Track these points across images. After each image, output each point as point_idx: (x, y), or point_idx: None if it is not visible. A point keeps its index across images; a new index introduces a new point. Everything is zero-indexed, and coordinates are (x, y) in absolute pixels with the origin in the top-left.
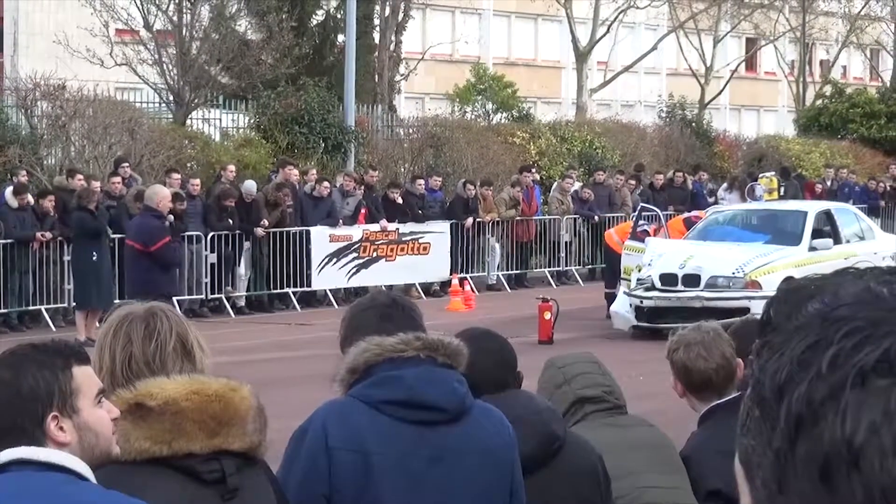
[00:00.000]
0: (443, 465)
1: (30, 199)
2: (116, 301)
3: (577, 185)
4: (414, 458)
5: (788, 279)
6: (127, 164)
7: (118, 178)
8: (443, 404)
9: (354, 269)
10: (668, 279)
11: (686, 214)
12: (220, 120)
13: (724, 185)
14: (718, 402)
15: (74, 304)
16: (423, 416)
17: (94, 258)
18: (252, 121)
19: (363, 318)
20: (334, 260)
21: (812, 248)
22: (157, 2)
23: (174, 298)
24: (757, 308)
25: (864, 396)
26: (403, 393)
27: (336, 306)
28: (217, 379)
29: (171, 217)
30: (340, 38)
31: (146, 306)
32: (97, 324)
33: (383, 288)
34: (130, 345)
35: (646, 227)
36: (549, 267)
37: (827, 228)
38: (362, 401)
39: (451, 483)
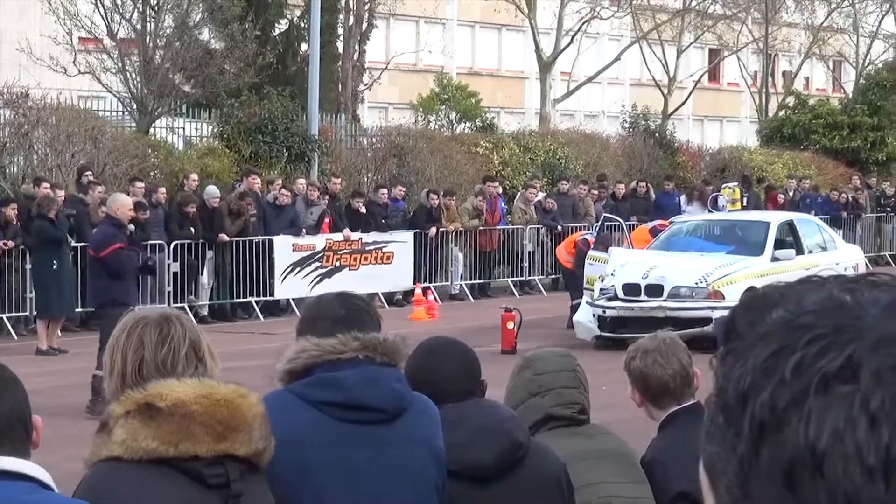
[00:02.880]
0: (382, 457)
1: None
2: (78, 309)
3: (541, 195)
4: (353, 452)
5: (751, 289)
6: (90, 172)
7: (102, 187)
8: (382, 405)
9: (318, 279)
10: (631, 289)
11: (650, 224)
12: (184, 129)
13: (683, 196)
14: (678, 407)
15: (35, 312)
16: (361, 417)
17: (55, 266)
18: (215, 130)
19: (314, 328)
20: (297, 269)
21: (774, 259)
22: (120, 10)
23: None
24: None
25: (828, 403)
26: (342, 395)
27: (299, 316)
28: (227, 384)
29: (132, 226)
30: (304, 47)
31: (160, 311)
32: (59, 332)
33: None
34: (143, 349)
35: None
36: (513, 276)
37: (789, 239)
38: (301, 397)
39: (392, 474)
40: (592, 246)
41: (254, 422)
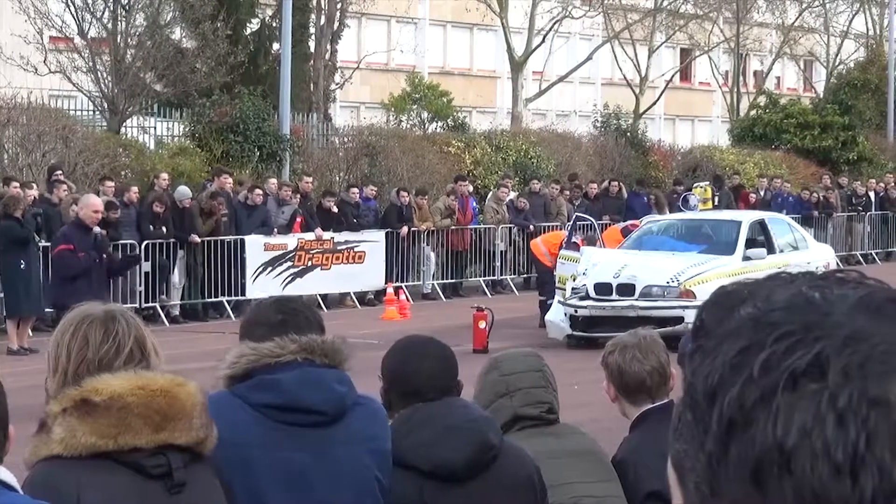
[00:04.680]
0: (323, 459)
1: None
2: (49, 309)
3: (513, 195)
4: (293, 455)
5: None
6: (60, 172)
7: (65, 186)
8: (321, 407)
9: (289, 278)
10: (603, 288)
11: (622, 224)
12: (155, 128)
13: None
14: (652, 406)
15: (5, 312)
16: (302, 419)
17: (23, 266)
18: (187, 129)
19: (252, 334)
20: (269, 269)
21: (746, 258)
22: (91, 9)
23: None
24: (691, 318)
25: (796, 400)
26: (281, 398)
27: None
28: (163, 375)
29: (98, 228)
30: (275, 46)
31: (104, 308)
32: (29, 332)
33: (317, 296)
34: (87, 347)
35: (576, 240)
36: (484, 276)
37: (761, 238)
38: (242, 399)
39: (333, 476)
40: (565, 244)
41: (193, 410)
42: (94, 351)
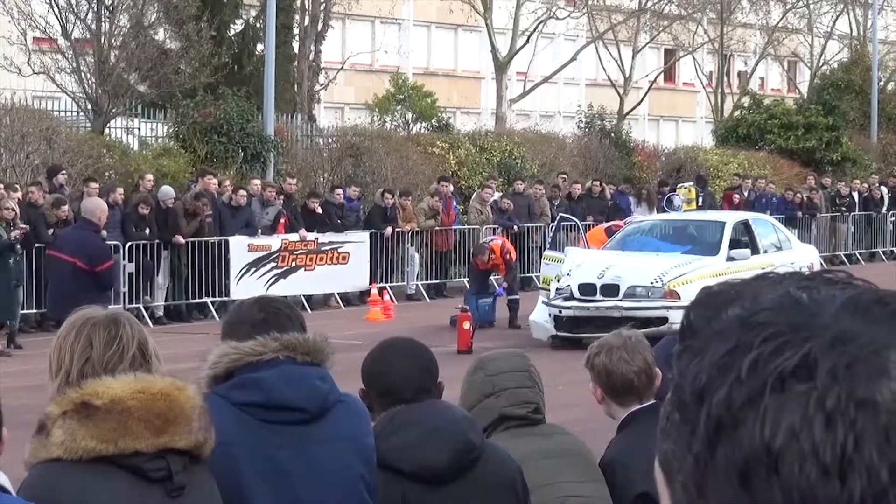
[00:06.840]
0: (306, 456)
1: None
2: (32, 311)
3: (497, 195)
4: (277, 452)
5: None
6: (64, 173)
7: (36, 187)
8: (303, 404)
9: (273, 279)
10: (587, 289)
11: (606, 224)
12: (139, 129)
13: (632, 198)
14: (640, 406)
15: None
16: (283, 417)
17: None
18: (171, 130)
19: (234, 333)
20: (253, 269)
21: (730, 259)
22: (75, 10)
23: None
24: (675, 318)
25: (784, 401)
26: (262, 396)
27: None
28: (162, 378)
29: (105, 233)
30: (259, 47)
31: (107, 311)
32: (12, 334)
33: (301, 297)
34: (90, 349)
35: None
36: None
37: (745, 239)
38: (225, 399)
39: (316, 473)
40: (549, 245)
41: (192, 413)
42: (99, 354)
